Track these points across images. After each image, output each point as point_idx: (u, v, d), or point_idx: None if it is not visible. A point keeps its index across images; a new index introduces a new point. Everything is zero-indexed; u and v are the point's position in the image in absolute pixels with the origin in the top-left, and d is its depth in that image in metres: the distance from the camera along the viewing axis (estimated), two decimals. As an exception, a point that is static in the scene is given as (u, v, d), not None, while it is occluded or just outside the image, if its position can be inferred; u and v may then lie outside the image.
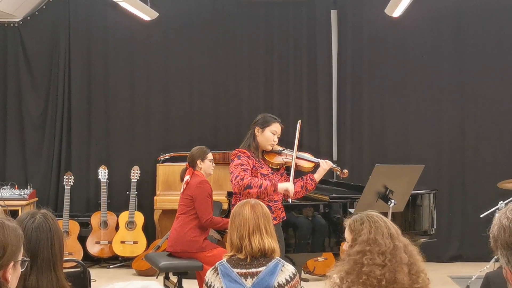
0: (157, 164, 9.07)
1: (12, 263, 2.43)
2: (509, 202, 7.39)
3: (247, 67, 9.40)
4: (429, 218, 6.84)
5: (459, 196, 9.20)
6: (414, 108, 9.25)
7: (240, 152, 5.61)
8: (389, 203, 5.66)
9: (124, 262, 8.88)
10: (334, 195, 6.42)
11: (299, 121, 5.89)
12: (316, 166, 5.80)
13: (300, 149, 5.94)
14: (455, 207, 9.18)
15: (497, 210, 7.36)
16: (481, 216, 7.68)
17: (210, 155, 6.57)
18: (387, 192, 5.69)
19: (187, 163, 6.58)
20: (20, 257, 2.49)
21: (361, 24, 9.30)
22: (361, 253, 3.38)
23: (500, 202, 7.44)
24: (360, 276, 3.34)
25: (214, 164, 6.66)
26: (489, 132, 9.18)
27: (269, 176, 5.61)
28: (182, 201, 6.44)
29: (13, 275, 2.47)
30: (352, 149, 9.28)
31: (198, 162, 6.47)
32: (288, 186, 5.55)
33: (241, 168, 5.48)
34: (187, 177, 6.46)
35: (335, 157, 9.19)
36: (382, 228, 3.43)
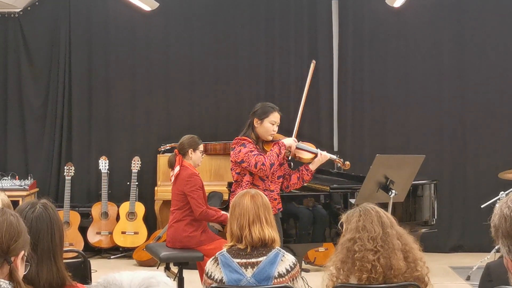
0: (158, 155, 9.06)
1: (23, 252, 2.46)
2: (510, 192, 7.39)
3: (248, 57, 9.38)
4: (430, 209, 6.84)
5: (460, 186, 9.20)
6: (415, 98, 9.24)
7: (242, 140, 5.57)
8: (389, 194, 5.66)
9: (125, 252, 8.88)
10: (334, 186, 6.42)
11: (313, 61, 5.86)
12: (316, 156, 5.75)
13: (301, 139, 5.92)
14: (456, 198, 9.17)
15: (498, 201, 7.35)
16: (482, 206, 7.68)
17: (201, 146, 6.52)
18: (388, 183, 5.69)
19: (176, 150, 6.53)
20: (27, 251, 2.52)
21: (362, 15, 9.28)
22: (352, 240, 3.43)
23: (501, 193, 7.44)
24: (354, 263, 3.38)
25: (203, 156, 6.62)
26: (490, 122, 9.16)
27: None
28: (175, 196, 6.40)
29: (20, 267, 2.49)
30: (353, 139, 9.27)
31: (189, 151, 6.41)
32: (290, 141, 5.60)
33: (253, 154, 5.44)
34: (177, 169, 6.40)
35: (336, 148, 9.19)
36: (372, 216, 3.47)
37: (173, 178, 6.42)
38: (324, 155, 5.65)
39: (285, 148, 5.52)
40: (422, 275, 3.46)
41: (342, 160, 5.83)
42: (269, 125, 5.57)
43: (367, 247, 3.39)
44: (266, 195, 5.54)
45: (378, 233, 3.41)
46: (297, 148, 5.68)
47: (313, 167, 5.68)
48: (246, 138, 5.56)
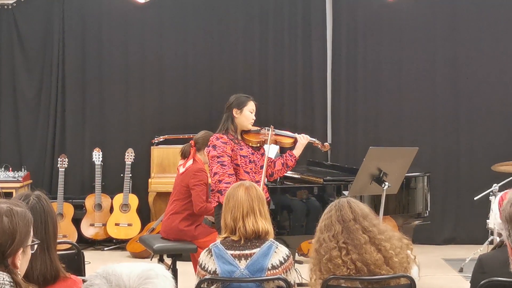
0: (152, 147, 9.05)
1: (21, 250, 2.45)
2: (502, 184, 7.43)
3: (241, 49, 9.37)
4: (423, 201, 6.85)
5: (453, 178, 9.21)
6: (409, 91, 9.24)
7: (215, 139, 5.57)
8: (383, 186, 5.68)
9: (119, 244, 8.88)
10: (328, 178, 6.42)
11: (272, 126, 5.84)
12: (296, 141, 5.82)
13: (283, 128, 6.00)
14: (449, 190, 9.19)
15: (490, 193, 7.38)
16: (475, 198, 7.72)
17: None
18: (381, 175, 5.71)
19: (192, 141, 6.51)
20: (29, 242, 2.50)
21: (356, 7, 9.27)
22: (318, 242, 3.47)
23: (494, 185, 7.45)
24: (327, 266, 3.40)
25: None
26: (483, 115, 9.17)
27: (249, 157, 5.58)
28: (179, 187, 6.39)
29: (23, 260, 2.49)
30: (347, 132, 9.28)
31: (206, 148, 6.39)
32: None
33: (219, 163, 5.45)
34: (189, 162, 6.39)
35: (329, 140, 9.18)
36: (331, 214, 3.51)
37: (181, 168, 6.42)
38: (304, 138, 5.78)
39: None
40: (403, 260, 3.48)
41: (321, 142, 5.98)
42: (249, 113, 5.66)
43: (330, 246, 3.41)
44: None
45: (338, 231, 3.42)
46: (276, 134, 5.76)
47: (296, 152, 5.79)
48: (222, 135, 5.57)
